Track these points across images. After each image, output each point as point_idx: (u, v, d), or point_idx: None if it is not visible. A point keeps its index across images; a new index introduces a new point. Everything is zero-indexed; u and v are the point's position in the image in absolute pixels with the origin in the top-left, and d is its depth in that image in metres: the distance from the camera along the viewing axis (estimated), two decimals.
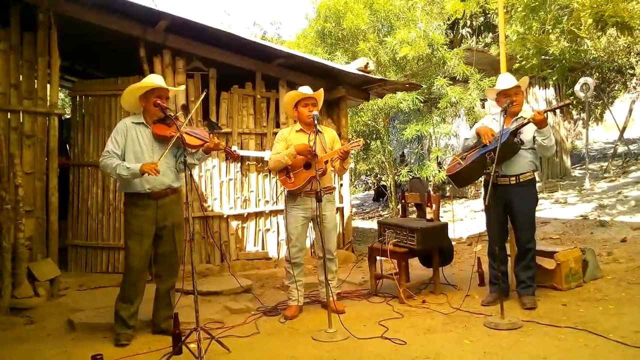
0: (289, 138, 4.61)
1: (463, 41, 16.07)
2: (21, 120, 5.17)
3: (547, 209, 9.34)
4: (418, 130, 10.47)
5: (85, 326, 4.22)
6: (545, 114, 4.18)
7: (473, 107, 10.81)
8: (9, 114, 5.13)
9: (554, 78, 10.80)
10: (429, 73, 10.41)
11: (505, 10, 7.58)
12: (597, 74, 15.12)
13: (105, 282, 5.47)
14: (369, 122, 11.12)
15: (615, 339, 3.50)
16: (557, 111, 12.81)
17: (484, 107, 11.67)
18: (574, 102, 13.26)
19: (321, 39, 10.99)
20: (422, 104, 11.54)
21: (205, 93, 4.63)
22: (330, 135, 4.71)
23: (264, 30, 21.48)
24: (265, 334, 4.08)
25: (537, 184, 4.61)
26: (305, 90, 4.56)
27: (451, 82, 10.47)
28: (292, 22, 42.78)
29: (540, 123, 4.14)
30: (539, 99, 12.96)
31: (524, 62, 8.85)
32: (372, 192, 15.94)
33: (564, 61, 9.73)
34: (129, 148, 3.91)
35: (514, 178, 4.41)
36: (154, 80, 3.97)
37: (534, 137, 4.33)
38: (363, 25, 10.12)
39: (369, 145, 11.41)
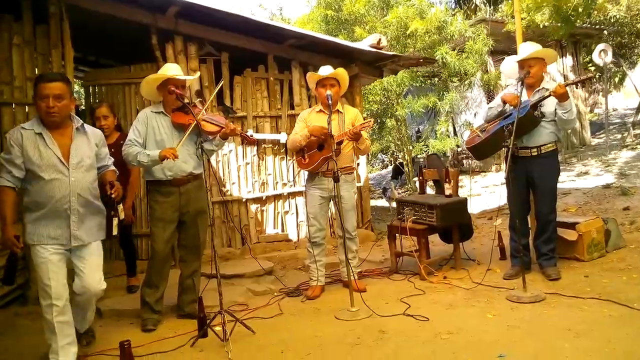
0: (309, 119, 4.61)
1: (477, 12, 15.82)
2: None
3: (567, 180, 9.23)
4: (421, 105, 10.41)
5: (112, 312, 4.33)
6: (567, 87, 4.10)
7: (476, 73, 10.67)
8: (26, 107, 5.18)
9: (560, 33, 10.31)
10: (436, 46, 10.25)
11: None
12: (617, 39, 14.75)
13: None
14: (383, 99, 11.05)
15: None
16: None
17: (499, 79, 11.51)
18: (596, 74, 12.95)
19: (325, 23, 10.99)
20: (434, 79, 11.45)
21: (221, 84, 4.66)
22: (351, 115, 4.67)
23: (272, 12, 21.38)
24: (288, 315, 4.13)
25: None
26: (323, 70, 4.54)
27: (453, 50, 10.32)
28: (294, 7, 42.27)
29: (562, 97, 4.07)
30: (553, 70, 12.68)
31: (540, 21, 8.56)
32: (389, 169, 15.89)
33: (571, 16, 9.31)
34: (150, 137, 3.98)
35: (535, 149, 4.36)
36: (167, 71, 4.03)
37: (555, 110, 4.26)
38: (362, 9, 10.08)
39: (383, 124, 11.36)
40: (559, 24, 9.67)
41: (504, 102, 4.44)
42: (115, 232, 3.27)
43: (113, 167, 3.52)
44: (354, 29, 10.16)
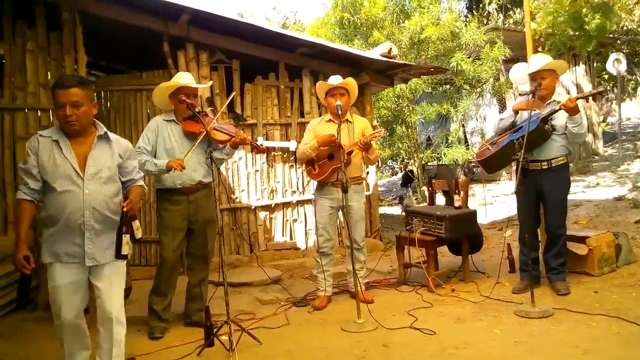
0: (318, 129, 4.62)
1: (490, 19, 15.76)
2: (51, 119, 5.28)
3: (579, 191, 9.15)
4: (434, 112, 10.38)
5: None
6: (577, 100, 4.08)
7: (489, 80, 10.62)
8: (39, 112, 5.24)
9: (589, 49, 10.44)
10: (450, 53, 10.23)
11: None
12: (630, 48, 14.65)
13: (138, 275, 5.55)
14: (393, 106, 11.03)
15: None
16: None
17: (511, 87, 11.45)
18: (608, 84, 12.87)
19: (340, 27, 10.94)
20: (447, 86, 11.42)
21: (232, 95, 4.73)
22: (361, 124, 4.67)
23: (286, 16, 21.44)
24: (295, 325, 4.13)
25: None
26: (333, 80, 4.55)
27: (468, 57, 10.30)
28: (309, 9, 42.41)
29: (572, 110, 4.04)
30: (568, 79, 12.60)
31: (554, 36, 8.59)
32: (399, 176, 15.85)
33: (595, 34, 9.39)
34: (161, 145, 4.01)
35: (545, 163, 4.34)
36: (180, 79, 4.07)
37: (566, 123, 4.23)
38: (380, 14, 10.02)
39: (394, 130, 11.34)
40: (581, 39, 9.77)
41: (516, 112, 4.42)
42: (125, 251, 2.91)
43: (141, 183, 3.22)
44: (372, 33, 10.11)
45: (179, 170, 3.81)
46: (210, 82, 5.41)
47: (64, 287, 2.87)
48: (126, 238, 2.89)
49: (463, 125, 12.62)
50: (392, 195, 13.94)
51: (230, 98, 4.60)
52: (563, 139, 4.32)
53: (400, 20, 10.43)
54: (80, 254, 2.87)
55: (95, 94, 3.01)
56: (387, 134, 11.44)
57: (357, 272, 4.23)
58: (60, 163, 2.86)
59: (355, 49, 9.80)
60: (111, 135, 3.07)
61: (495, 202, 10.15)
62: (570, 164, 4.58)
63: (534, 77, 4.37)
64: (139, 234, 2.99)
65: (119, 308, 2.99)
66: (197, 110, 3.99)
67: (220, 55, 6.18)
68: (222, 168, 6.04)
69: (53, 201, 2.85)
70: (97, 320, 2.96)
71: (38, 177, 2.87)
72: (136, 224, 2.97)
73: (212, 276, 4.30)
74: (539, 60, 4.39)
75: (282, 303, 4.71)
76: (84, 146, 2.94)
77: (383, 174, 17.58)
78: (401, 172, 15.19)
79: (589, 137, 12.66)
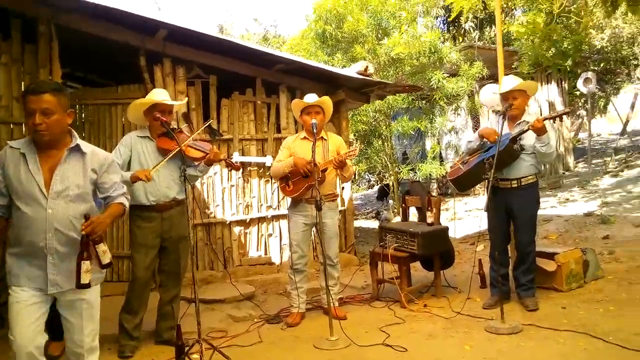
0: (293, 146, 4.66)
1: (466, 36, 16.05)
2: (24, 133, 5.22)
3: (549, 207, 9.33)
4: (413, 127, 10.52)
5: None
6: (545, 121, 4.19)
7: (464, 97, 10.82)
8: (11, 125, 5.18)
9: (564, 66, 10.79)
10: (427, 70, 10.39)
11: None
12: (602, 65, 15.06)
13: (110, 291, 5.47)
14: (371, 120, 11.15)
15: (615, 342, 3.53)
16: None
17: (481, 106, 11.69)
18: (580, 101, 13.20)
19: (321, 41, 10.99)
20: (423, 102, 11.60)
21: (209, 122, 4.87)
22: (336, 142, 4.74)
23: (266, 29, 21.51)
24: (267, 343, 4.13)
25: (540, 179, 4.62)
26: (309, 98, 4.59)
27: (448, 76, 10.48)
28: (291, 20, 42.67)
29: (539, 131, 4.15)
30: (540, 97, 12.87)
31: (525, 55, 8.84)
32: (375, 189, 15.96)
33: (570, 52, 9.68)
34: (135, 161, 4.01)
35: (515, 182, 4.44)
36: (155, 96, 4.07)
37: (534, 143, 4.34)
38: (364, 29, 10.12)
39: (371, 144, 11.46)
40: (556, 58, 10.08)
41: (481, 137, 4.52)
42: (85, 279, 2.55)
43: (121, 200, 2.84)
44: (354, 48, 10.20)
45: (146, 182, 3.77)
46: (186, 99, 5.43)
47: (22, 314, 2.57)
48: (86, 265, 2.54)
49: (438, 141, 12.82)
50: (369, 209, 14.03)
51: (206, 124, 4.66)
52: (532, 158, 4.43)
53: (380, 37, 10.56)
54: (42, 279, 2.60)
55: (70, 103, 2.73)
56: (364, 147, 11.56)
57: (330, 288, 4.27)
58: (24, 179, 2.59)
59: (337, 63, 9.94)
60: (86, 147, 2.75)
61: (468, 216, 10.29)
62: (542, 179, 4.68)
63: (506, 97, 4.48)
64: (106, 259, 2.64)
65: (92, 341, 2.74)
66: (171, 127, 3.99)
67: (197, 70, 6.19)
68: (197, 183, 6.02)
69: (17, 220, 2.62)
70: (67, 351, 2.76)
71: (5, 191, 2.63)
72: (101, 247, 2.61)
73: (185, 292, 4.28)
74: (511, 82, 4.50)
75: (255, 320, 4.70)
76: (54, 160, 2.65)
77: (359, 187, 17.68)
78: (377, 185, 15.30)
79: (562, 151, 12.94)
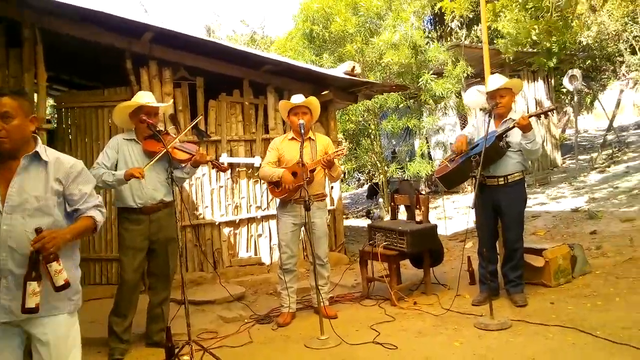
0: (281, 147, 4.67)
1: (453, 34, 16.11)
2: None
3: (537, 203, 9.41)
4: (402, 126, 10.55)
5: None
6: (530, 118, 4.23)
7: (451, 96, 10.88)
8: None
9: (550, 65, 10.90)
10: (413, 70, 10.42)
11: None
12: (587, 62, 15.20)
13: (99, 293, 5.47)
14: (360, 120, 11.17)
15: (603, 336, 3.56)
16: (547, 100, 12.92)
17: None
18: (566, 98, 13.33)
19: (309, 41, 10.98)
20: (411, 101, 11.64)
21: (197, 119, 4.92)
22: (323, 142, 4.75)
23: (253, 30, 21.44)
24: (258, 343, 4.13)
25: (528, 175, 4.67)
26: (295, 99, 4.60)
27: (436, 76, 10.53)
28: (278, 21, 42.67)
29: (525, 128, 4.18)
30: (527, 94, 12.98)
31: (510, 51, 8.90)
32: (365, 188, 15.98)
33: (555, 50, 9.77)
34: (122, 163, 4.00)
35: (502, 179, 4.47)
36: (140, 98, 4.07)
37: (520, 140, 4.38)
38: (351, 29, 10.13)
39: (359, 143, 11.48)
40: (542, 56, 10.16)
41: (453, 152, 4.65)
42: (31, 303, 2.16)
43: (92, 214, 2.45)
44: (343, 46, 10.17)
45: (140, 178, 3.77)
46: (172, 101, 5.41)
47: None
48: (32, 286, 2.16)
49: (427, 140, 12.87)
50: (359, 208, 14.05)
51: (193, 123, 4.65)
52: (519, 156, 4.47)
53: (369, 35, 10.57)
54: None
55: (34, 108, 2.49)
56: (353, 146, 11.58)
57: (320, 287, 4.28)
58: None
59: (325, 63, 9.94)
60: (49, 154, 2.41)
61: (457, 213, 10.34)
62: (529, 175, 4.73)
63: (493, 95, 4.51)
64: (60, 280, 2.23)
65: None
66: (158, 129, 3.98)
67: (183, 72, 6.17)
68: (186, 184, 6.00)
69: None
70: None
71: None
72: (54, 267, 2.21)
73: (175, 294, 4.27)
74: (497, 80, 4.54)
75: (246, 320, 4.70)
76: (12, 171, 2.33)
77: (349, 186, 17.70)
78: (367, 184, 15.34)
79: (548, 148, 13.05)
